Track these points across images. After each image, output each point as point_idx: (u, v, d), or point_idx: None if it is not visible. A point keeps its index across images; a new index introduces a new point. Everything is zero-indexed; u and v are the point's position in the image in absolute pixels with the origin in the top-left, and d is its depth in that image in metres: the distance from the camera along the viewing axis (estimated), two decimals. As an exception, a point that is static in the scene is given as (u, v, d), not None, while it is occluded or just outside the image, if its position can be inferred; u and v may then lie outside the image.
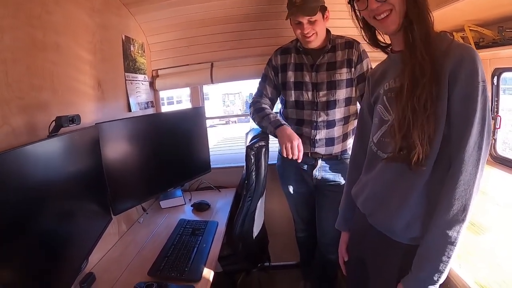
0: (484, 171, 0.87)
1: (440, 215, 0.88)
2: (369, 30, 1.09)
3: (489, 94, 0.87)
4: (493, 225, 1.25)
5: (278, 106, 2.04)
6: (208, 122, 2.43)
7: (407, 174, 0.94)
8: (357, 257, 1.20)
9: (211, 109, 15.42)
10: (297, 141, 1.58)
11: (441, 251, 0.87)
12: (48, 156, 1.04)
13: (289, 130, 1.63)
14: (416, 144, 0.88)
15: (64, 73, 1.34)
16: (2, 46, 1.02)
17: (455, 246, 0.87)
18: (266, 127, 1.73)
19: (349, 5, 1.04)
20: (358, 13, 1.05)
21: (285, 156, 1.59)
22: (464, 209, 0.85)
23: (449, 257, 0.87)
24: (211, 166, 2.31)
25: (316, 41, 1.71)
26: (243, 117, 13.27)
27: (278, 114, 1.93)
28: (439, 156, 0.90)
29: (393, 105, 1.00)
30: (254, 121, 1.87)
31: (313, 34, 1.67)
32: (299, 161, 1.60)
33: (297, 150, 1.57)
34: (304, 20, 1.62)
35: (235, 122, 13.94)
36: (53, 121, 1.12)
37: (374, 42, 1.11)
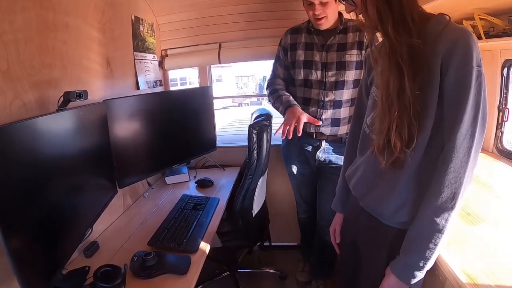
0: (486, 165, 0.85)
1: (429, 202, 0.87)
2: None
3: (484, 80, 0.81)
4: (490, 216, 1.22)
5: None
6: (221, 104, 2.49)
7: None
8: (350, 239, 1.21)
9: (224, 91, 15.36)
10: (300, 114, 1.62)
11: (429, 238, 0.87)
12: (57, 130, 1.09)
13: (299, 110, 1.67)
14: (395, 145, 0.87)
15: (74, 52, 1.39)
16: (15, 27, 1.07)
17: (442, 233, 0.86)
18: (278, 107, 1.79)
19: None
20: None
21: (280, 132, 1.63)
22: (454, 197, 0.84)
23: (436, 245, 0.87)
24: (218, 145, 2.36)
25: (326, 24, 1.73)
26: (256, 99, 13.23)
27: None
28: (431, 143, 0.88)
29: None
30: (270, 103, 1.92)
31: (323, 17, 1.68)
32: (299, 132, 1.61)
33: (297, 123, 1.59)
34: (316, 1, 1.64)
35: (248, 104, 13.89)
36: (61, 96, 1.17)
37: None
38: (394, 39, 0.86)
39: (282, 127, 1.62)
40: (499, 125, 1.84)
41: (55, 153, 1.07)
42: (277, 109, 1.83)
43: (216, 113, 2.50)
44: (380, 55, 0.95)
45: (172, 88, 2.56)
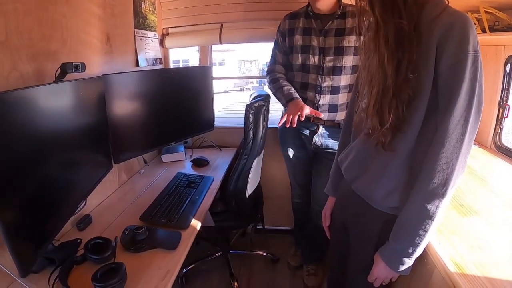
0: (483, 160, 0.84)
1: (420, 187, 0.86)
2: None
3: (481, 65, 0.80)
4: (483, 209, 1.23)
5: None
6: (222, 87, 2.47)
7: None
8: (340, 222, 1.22)
9: (226, 74, 15.25)
10: (302, 106, 1.63)
11: (419, 224, 0.87)
12: (53, 102, 1.09)
13: (301, 102, 1.69)
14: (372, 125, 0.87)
15: (74, 26, 1.38)
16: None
17: (433, 220, 0.86)
18: (280, 98, 1.81)
19: None
20: None
21: (283, 122, 1.64)
22: (445, 183, 0.83)
23: (425, 231, 0.87)
24: (216, 126, 2.37)
25: (324, 2, 1.71)
26: (258, 85, 13.11)
27: None
28: (424, 127, 0.87)
29: None
30: (271, 91, 1.92)
31: None
32: (301, 118, 1.63)
33: (300, 114, 1.61)
34: None
35: (250, 89, 13.82)
36: (59, 67, 1.17)
37: None
38: (380, 19, 0.85)
39: (286, 116, 1.63)
40: (499, 121, 1.84)
41: (51, 125, 1.07)
42: (278, 99, 1.84)
43: (217, 96, 2.50)
44: (368, 36, 0.94)
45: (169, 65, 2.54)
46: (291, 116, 1.60)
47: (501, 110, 1.82)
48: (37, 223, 1.00)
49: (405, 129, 0.89)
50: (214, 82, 2.37)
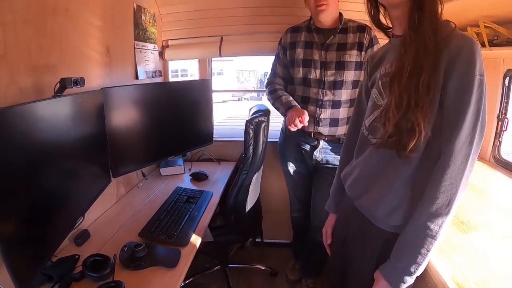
0: (483, 174, 0.85)
1: (424, 207, 0.86)
2: (374, 6, 1.05)
3: (486, 88, 0.82)
4: (483, 225, 1.22)
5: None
6: (220, 98, 2.47)
7: (394, 161, 0.92)
8: (341, 239, 1.21)
9: (224, 84, 15.31)
10: (302, 113, 1.63)
11: (421, 243, 0.86)
12: (52, 116, 1.08)
13: (300, 108, 1.70)
14: (418, 127, 0.84)
15: (73, 38, 1.37)
16: (14, 8, 1.05)
17: (435, 239, 0.85)
18: (279, 108, 1.80)
19: None
20: None
21: (288, 126, 1.65)
22: (449, 204, 0.83)
23: (428, 250, 0.86)
24: (215, 139, 2.36)
25: (327, 14, 1.73)
26: (256, 95, 13.17)
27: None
28: (428, 147, 0.88)
29: (386, 90, 0.97)
30: (269, 102, 1.92)
31: (324, 4, 1.68)
32: (304, 123, 1.64)
33: (302, 118, 1.61)
34: None
35: (248, 99, 13.87)
36: (58, 82, 1.16)
37: (377, 22, 1.08)
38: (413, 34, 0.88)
39: (289, 123, 1.64)
40: (498, 135, 1.83)
41: (50, 139, 1.06)
42: (277, 109, 1.84)
43: (215, 106, 2.49)
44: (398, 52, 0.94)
45: (172, 79, 2.54)
46: (295, 118, 1.61)
47: (500, 123, 1.81)
48: (35, 240, 0.99)
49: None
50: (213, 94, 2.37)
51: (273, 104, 1.87)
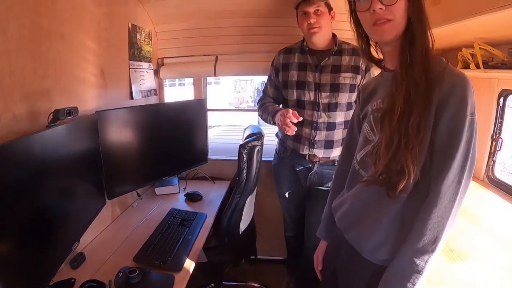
0: (476, 194, 0.85)
1: (411, 243, 0.87)
2: (365, 41, 1.04)
3: (476, 128, 0.83)
4: (473, 254, 1.22)
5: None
6: (217, 106, 2.46)
7: (383, 199, 0.92)
8: (331, 267, 1.22)
9: (221, 94, 15.32)
10: (290, 111, 1.58)
11: (407, 278, 0.87)
12: (47, 144, 1.10)
13: (286, 109, 1.64)
14: (408, 169, 0.85)
15: (68, 62, 1.37)
16: (8, 35, 1.05)
17: (421, 274, 0.86)
18: (266, 118, 1.80)
19: (348, 6, 0.99)
20: (355, 17, 0.99)
21: (284, 132, 1.62)
22: (435, 241, 0.85)
23: (414, 284, 0.87)
24: (209, 157, 2.35)
25: (320, 36, 1.74)
26: (252, 104, 13.17)
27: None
28: (417, 186, 0.88)
29: (378, 126, 0.97)
30: (261, 118, 1.92)
31: (317, 26, 1.70)
32: (296, 120, 1.59)
33: (292, 118, 1.57)
34: (311, 9, 1.68)
35: (245, 108, 13.87)
36: (51, 113, 1.16)
37: (368, 56, 1.07)
38: (404, 73, 0.88)
39: (282, 127, 1.62)
40: (492, 154, 1.82)
41: (45, 165, 1.08)
42: (265, 120, 1.84)
43: (210, 116, 2.50)
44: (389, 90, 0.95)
45: (168, 89, 2.53)
46: (287, 122, 1.58)
47: (494, 143, 1.81)
48: (33, 265, 1.00)
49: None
50: (209, 100, 2.38)
51: (261, 116, 1.88)
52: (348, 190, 1.13)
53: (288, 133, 1.61)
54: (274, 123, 1.76)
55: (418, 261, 0.85)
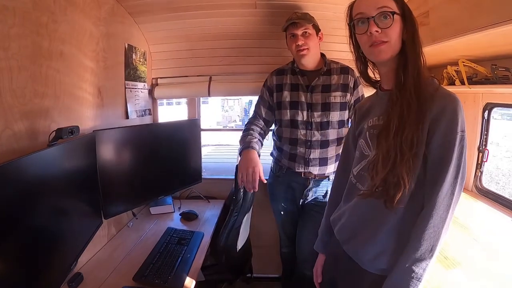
0: (465, 204, 0.91)
1: (408, 253, 0.91)
2: (362, 63, 1.12)
3: (466, 143, 0.90)
4: (467, 260, 1.28)
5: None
6: (203, 126, 2.47)
7: (381, 211, 0.97)
8: (330, 280, 1.24)
9: (209, 113, 15.34)
10: (252, 169, 1.60)
11: (406, 286, 0.90)
12: (47, 164, 1.09)
13: (250, 155, 1.67)
14: (403, 181, 0.90)
15: (67, 81, 1.38)
16: (9, 53, 1.06)
17: (420, 281, 0.90)
18: (240, 145, 1.78)
19: (348, 30, 1.06)
20: (354, 40, 1.07)
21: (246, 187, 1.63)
22: (432, 249, 0.89)
23: None
24: (203, 177, 2.35)
25: (308, 57, 1.78)
26: (241, 123, 13.23)
27: (272, 133, 2.02)
28: (412, 198, 0.94)
29: (374, 142, 1.03)
30: None
31: (305, 48, 1.74)
32: (255, 190, 1.61)
33: (252, 179, 1.59)
34: (299, 31, 1.72)
35: (233, 127, 13.95)
36: (53, 131, 1.17)
37: (365, 76, 1.14)
38: (399, 94, 0.95)
39: (241, 181, 1.63)
40: (479, 165, 1.88)
41: (44, 185, 1.07)
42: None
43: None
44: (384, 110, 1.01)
45: (160, 108, 2.55)
46: (244, 177, 1.59)
47: (480, 154, 1.88)
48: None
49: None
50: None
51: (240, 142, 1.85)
52: (346, 203, 1.17)
53: (247, 188, 1.62)
54: (240, 154, 1.75)
55: (416, 269, 0.90)
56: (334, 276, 1.21)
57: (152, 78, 2.36)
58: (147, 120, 2.28)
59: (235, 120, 15.97)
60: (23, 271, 0.94)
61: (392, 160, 0.92)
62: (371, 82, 1.16)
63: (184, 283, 1.36)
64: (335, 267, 1.20)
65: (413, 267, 0.90)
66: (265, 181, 1.65)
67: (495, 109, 1.80)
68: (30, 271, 0.97)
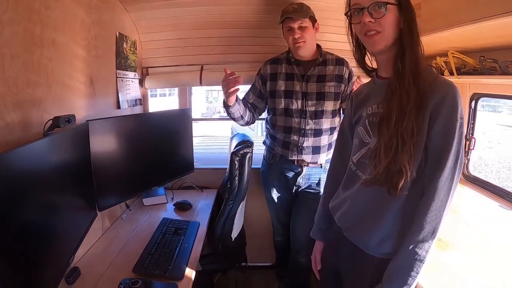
0: (456, 191, 0.95)
1: (412, 236, 0.95)
2: (360, 51, 1.14)
3: (464, 130, 0.95)
4: (458, 242, 1.36)
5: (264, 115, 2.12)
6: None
7: (384, 196, 1.00)
8: (332, 267, 1.26)
9: (193, 104, 15.15)
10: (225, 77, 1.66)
11: (411, 267, 0.94)
12: (40, 155, 1.06)
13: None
14: (405, 169, 0.93)
15: (59, 70, 1.34)
16: (1, 40, 1.02)
17: (423, 263, 0.94)
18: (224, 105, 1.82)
19: (346, 18, 1.07)
20: (352, 30, 1.09)
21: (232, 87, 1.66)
22: (434, 231, 0.93)
23: (417, 273, 0.94)
24: (195, 167, 2.34)
25: (305, 49, 1.80)
26: (225, 114, 13.17)
27: (265, 121, 2.03)
28: (414, 184, 0.97)
29: (374, 130, 1.05)
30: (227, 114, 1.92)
31: (302, 41, 1.76)
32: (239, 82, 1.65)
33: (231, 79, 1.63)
34: (295, 25, 1.73)
35: (217, 117, 13.90)
36: (49, 120, 1.14)
37: (362, 64, 1.16)
38: (398, 83, 0.97)
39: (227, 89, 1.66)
40: (466, 153, 1.94)
41: (40, 176, 1.04)
42: (226, 108, 1.83)
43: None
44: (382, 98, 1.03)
45: (152, 100, 2.52)
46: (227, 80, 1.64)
47: (467, 142, 1.93)
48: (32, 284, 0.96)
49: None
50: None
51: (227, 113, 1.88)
52: (345, 190, 1.19)
53: (231, 88, 1.65)
54: (227, 106, 1.78)
55: (420, 251, 0.93)
56: (336, 263, 1.23)
57: (143, 68, 2.32)
58: (138, 110, 2.25)
59: (219, 112, 15.84)
60: (21, 268, 0.91)
61: (394, 149, 0.94)
62: (367, 71, 1.18)
63: (184, 273, 1.36)
64: (337, 254, 1.22)
65: (416, 249, 0.93)
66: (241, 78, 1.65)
67: (482, 99, 1.84)
68: (28, 268, 0.94)
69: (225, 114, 1.92)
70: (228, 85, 1.63)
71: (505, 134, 10.35)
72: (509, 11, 1.04)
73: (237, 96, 1.76)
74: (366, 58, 1.15)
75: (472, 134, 1.92)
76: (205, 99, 18.50)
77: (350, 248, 1.13)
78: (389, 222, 1.02)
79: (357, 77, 1.88)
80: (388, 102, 0.98)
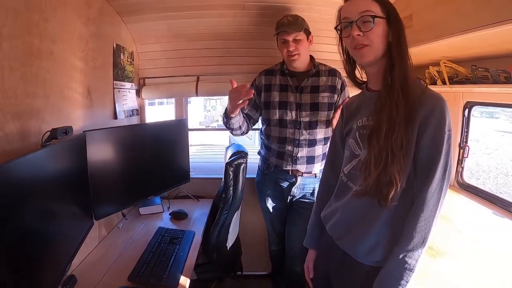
0: (448, 198, 0.97)
1: (402, 245, 0.96)
2: (350, 64, 1.17)
3: (452, 141, 0.96)
4: (450, 250, 1.36)
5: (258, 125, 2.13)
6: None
7: (375, 207, 1.01)
8: (324, 275, 1.26)
9: (192, 113, 15.16)
10: (234, 89, 1.62)
11: (401, 276, 0.95)
12: (39, 166, 1.07)
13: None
14: (395, 180, 0.94)
15: (57, 81, 1.37)
16: (0, 54, 1.05)
17: (413, 272, 0.95)
18: (223, 116, 1.81)
19: (336, 33, 1.10)
20: (343, 44, 1.12)
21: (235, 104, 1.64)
22: (423, 241, 0.95)
23: (407, 281, 0.96)
24: (191, 176, 2.35)
25: (299, 62, 1.82)
26: (222, 124, 13.18)
27: (259, 132, 2.04)
28: (403, 195, 0.98)
29: (364, 142, 1.06)
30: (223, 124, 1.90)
31: (296, 54, 1.78)
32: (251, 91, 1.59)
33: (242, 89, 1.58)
34: (290, 38, 1.75)
35: (215, 127, 13.93)
36: (47, 131, 1.16)
37: (352, 77, 1.19)
38: (387, 96, 0.99)
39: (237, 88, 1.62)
40: (460, 161, 1.97)
41: (37, 186, 1.05)
42: (225, 120, 1.81)
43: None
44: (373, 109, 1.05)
45: (149, 108, 2.54)
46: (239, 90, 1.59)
47: (461, 150, 1.96)
48: None
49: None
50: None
51: (223, 123, 1.86)
52: (337, 200, 1.20)
53: (242, 98, 1.60)
54: (229, 117, 1.75)
55: (410, 260, 0.95)
56: (328, 270, 1.24)
57: (140, 78, 2.35)
58: (135, 120, 2.27)
59: (217, 120, 15.86)
60: (18, 276, 0.93)
61: (383, 161, 0.96)
62: (357, 83, 1.20)
63: (179, 281, 1.37)
64: (329, 262, 1.23)
65: (406, 258, 0.95)
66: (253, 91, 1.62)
67: (475, 107, 1.87)
68: (25, 276, 0.95)
69: (222, 124, 1.93)
70: (239, 96, 1.61)
71: (502, 140, 10.39)
72: (499, 21, 1.06)
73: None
74: (356, 71, 1.18)
75: (466, 142, 1.95)
76: (203, 108, 18.51)
77: (341, 256, 1.14)
78: (379, 230, 1.03)
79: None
80: (378, 115, 1.00)
